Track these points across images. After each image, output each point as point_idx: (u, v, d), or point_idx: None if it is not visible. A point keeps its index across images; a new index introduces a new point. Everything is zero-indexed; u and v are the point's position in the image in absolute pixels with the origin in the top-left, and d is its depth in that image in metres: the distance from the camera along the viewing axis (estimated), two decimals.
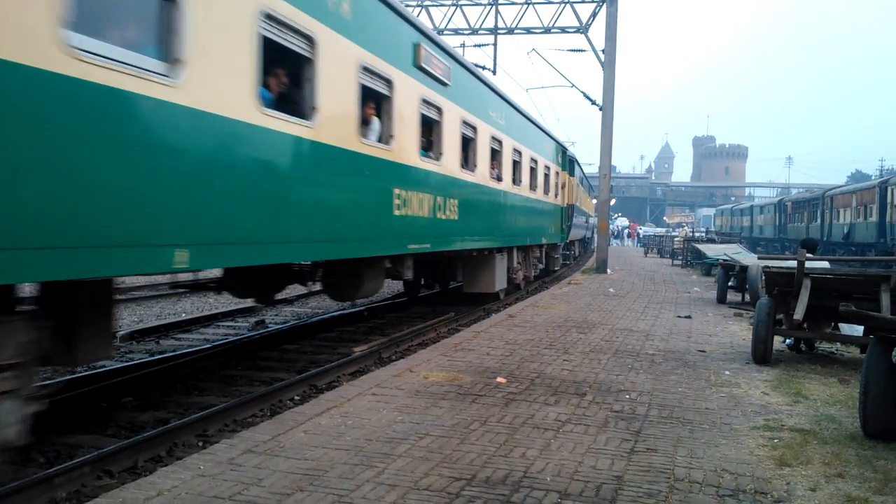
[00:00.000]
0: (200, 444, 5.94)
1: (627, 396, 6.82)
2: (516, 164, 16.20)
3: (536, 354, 8.83)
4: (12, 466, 5.23)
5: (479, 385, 7.07)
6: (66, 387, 7.19)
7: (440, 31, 24.63)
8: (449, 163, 11.18)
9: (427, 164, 10.34)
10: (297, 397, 7.61)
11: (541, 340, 9.92)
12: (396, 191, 9.10)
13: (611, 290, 18.59)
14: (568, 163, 24.90)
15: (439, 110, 10.75)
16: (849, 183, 62.90)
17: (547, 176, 20.15)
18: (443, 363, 8.10)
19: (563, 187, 23.33)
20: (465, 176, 12.18)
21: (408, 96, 9.47)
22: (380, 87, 8.66)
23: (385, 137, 8.92)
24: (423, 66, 9.84)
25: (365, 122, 8.48)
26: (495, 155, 14.41)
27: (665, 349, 9.61)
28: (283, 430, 5.40)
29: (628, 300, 16.20)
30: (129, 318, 12.86)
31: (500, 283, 15.19)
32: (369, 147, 8.37)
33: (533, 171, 18.16)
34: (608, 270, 25.00)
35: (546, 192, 19.96)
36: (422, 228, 10.07)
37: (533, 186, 18.07)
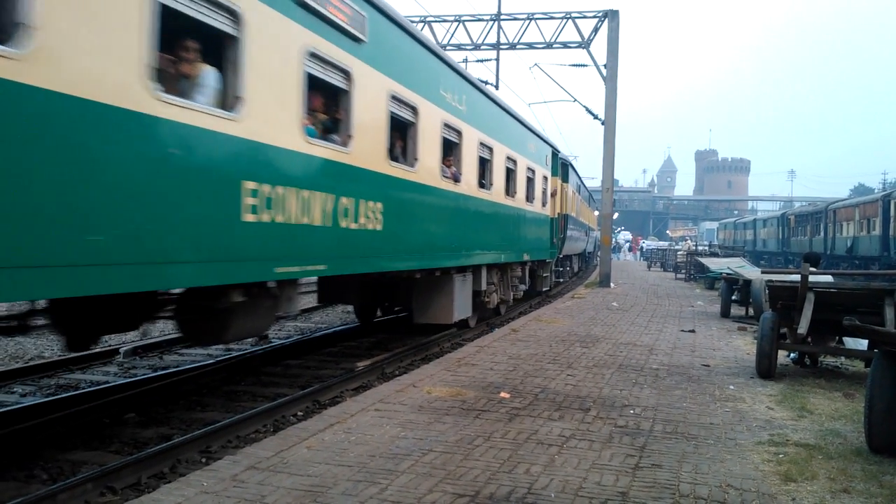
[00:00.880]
0: (203, 460, 5.93)
1: (632, 411, 6.80)
2: (485, 163, 13.24)
3: (540, 369, 8.81)
4: (16, 483, 5.23)
5: (482, 400, 7.06)
6: (69, 402, 7.20)
7: (444, 47, 24.72)
8: (363, 151, 8.06)
9: (318, 150, 7.23)
10: (300, 413, 7.59)
11: (544, 355, 9.90)
12: (251, 185, 6.07)
13: (614, 304, 18.57)
14: (560, 168, 22.02)
15: (346, 74, 7.64)
16: (852, 196, 62.86)
17: (531, 180, 16.96)
18: (446, 378, 8.09)
19: (553, 195, 20.30)
20: (396, 172, 9.05)
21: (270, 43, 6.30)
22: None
23: (229, 103, 5.94)
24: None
25: (186, 77, 5.91)
26: (451, 148, 11.38)
27: (669, 364, 9.58)
28: (286, 446, 5.38)
29: (632, 314, 16.18)
30: (132, 334, 12.86)
31: (462, 310, 12.25)
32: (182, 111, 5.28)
33: (511, 172, 15.04)
34: (611, 284, 24.98)
35: (530, 199, 16.82)
36: (308, 241, 7.05)
37: (510, 192, 14.99)
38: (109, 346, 10.84)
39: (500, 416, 6.45)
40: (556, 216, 20.63)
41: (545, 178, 18.88)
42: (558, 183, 21.26)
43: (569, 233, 23.84)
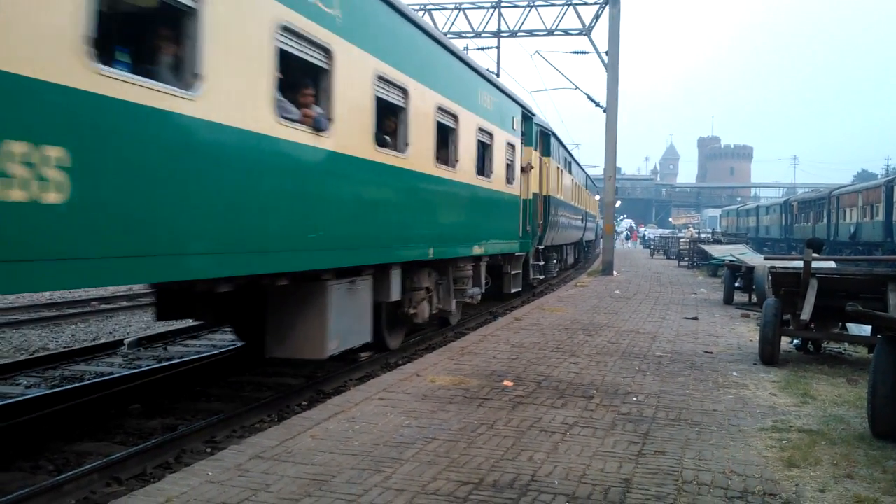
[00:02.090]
0: (208, 450, 5.96)
1: (635, 399, 6.81)
2: (393, 112, 8.88)
3: (543, 357, 8.83)
4: (22, 474, 5.26)
5: (485, 388, 7.07)
6: (74, 394, 7.23)
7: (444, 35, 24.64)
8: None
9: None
10: (304, 402, 7.62)
11: (547, 343, 9.91)
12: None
13: (617, 291, 18.57)
14: (539, 137, 17.72)
15: None
16: (855, 182, 62.72)
17: (486, 147, 12.58)
18: (449, 367, 8.11)
19: (527, 170, 15.79)
20: (208, 113, 5.37)
21: None
22: None
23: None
24: None
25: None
26: (311, 75, 7.09)
27: (672, 351, 9.59)
28: (290, 435, 5.40)
29: (634, 302, 16.18)
30: (136, 325, 12.91)
31: (350, 334, 7.96)
32: None
33: (448, 133, 10.66)
34: (614, 272, 24.95)
35: (484, 172, 12.50)
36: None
37: (448, 160, 10.59)
38: (114, 337, 10.88)
39: (504, 405, 6.46)
40: (531, 197, 16.12)
41: (510, 146, 14.18)
42: (534, 155, 16.75)
43: (556, 219, 20.38)
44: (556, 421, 5.96)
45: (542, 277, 20.08)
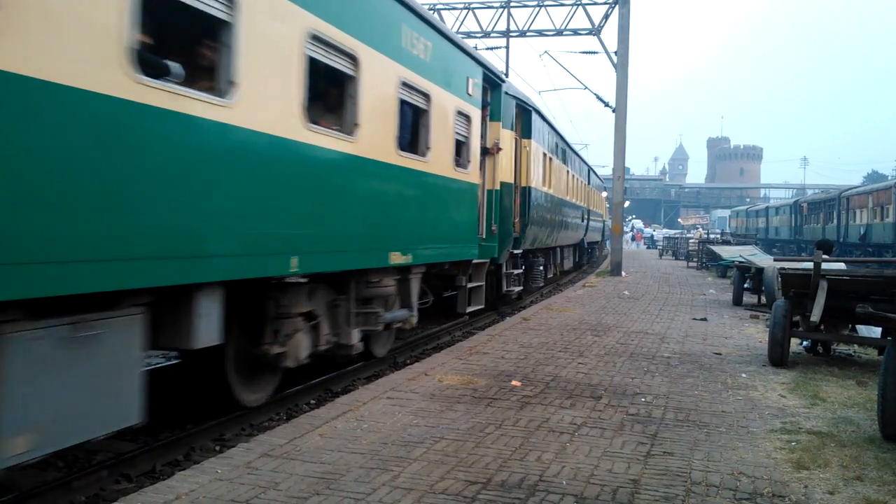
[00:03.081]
0: (217, 448, 5.97)
1: (643, 399, 6.80)
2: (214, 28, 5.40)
3: (551, 357, 8.82)
4: (32, 471, 5.29)
5: (494, 388, 7.07)
6: None
7: None
8: None
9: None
10: (312, 401, 7.63)
11: (555, 343, 9.90)
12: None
13: (625, 292, 18.53)
14: (516, 112, 13.65)
15: None
16: (865, 183, 62.42)
17: (419, 112, 9.07)
18: (458, 366, 8.11)
19: (492, 153, 12.15)
20: None
21: None
22: None
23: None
24: None
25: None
26: None
27: (681, 352, 9.57)
28: (299, 433, 5.42)
29: (643, 303, 16.15)
30: None
31: (76, 424, 4.33)
32: None
33: (348, 82, 7.30)
34: (623, 273, 24.90)
35: (416, 149, 9.00)
36: None
37: (346, 125, 7.27)
38: None
39: (512, 404, 6.46)
40: (498, 188, 12.43)
41: (464, 117, 10.41)
42: (505, 134, 12.63)
43: (542, 216, 16.46)
44: (565, 421, 5.96)
45: (520, 289, 15.38)
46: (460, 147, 10.48)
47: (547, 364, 8.39)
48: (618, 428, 5.81)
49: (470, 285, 11.49)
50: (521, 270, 15.07)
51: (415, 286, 9.43)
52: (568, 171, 22.14)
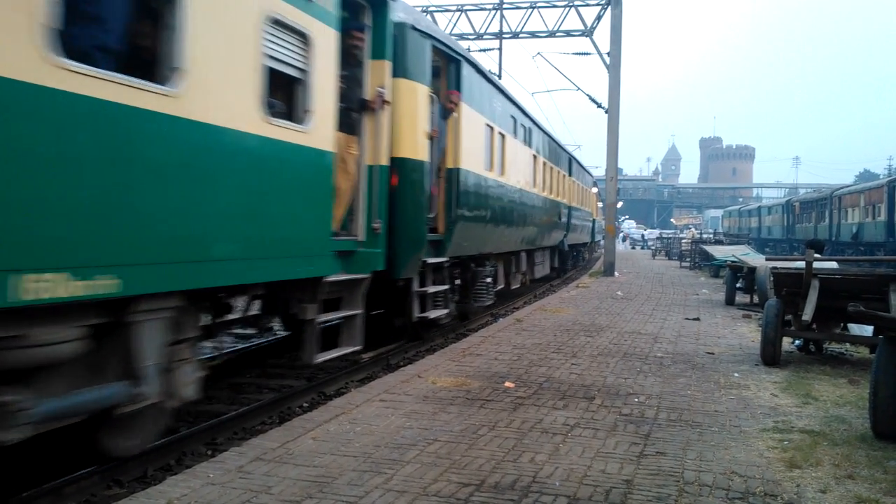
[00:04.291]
0: (209, 452, 5.95)
1: (636, 400, 6.81)
2: None
3: (545, 358, 8.82)
4: (21, 476, 5.26)
5: (487, 390, 7.07)
6: None
7: None
8: None
9: None
10: (305, 404, 7.61)
11: (549, 344, 9.90)
12: None
13: (619, 292, 18.55)
14: (426, 54, 9.39)
15: None
16: (857, 182, 62.67)
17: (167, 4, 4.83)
18: (451, 368, 8.10)
19: (375, 106, 7.94)
20: None
21: None
22: None
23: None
24: None
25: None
26: None
27: (673, 352, 9.58)
28: (291, 437, 5.41)
29: (636, 303, 16.17)
30: None
31: None
32: None
33: None
34: (616, 273, 24.94)
35: (157, 73, 4.78)
36: None
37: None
38: None
39: (505, 406, 6.46)
40: (385, 164, 8.30)
41: (296, 34, 6.38)
42: (403, 85, 8.74)
43: (483, 208, 12.24)
44: (558, 422, 5.96)
45: (445, 312, 10.76)
46: (285, 85, 6.48)
47: (540, 365, 8.39)
48: (611, 428, 5.81)
49: (331, 317, 7.60)
50: (446, 287, 10.68)
51: (147, 336, 4.93)
52: (537, 157, 17.84)
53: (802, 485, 4.59)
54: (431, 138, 9.47)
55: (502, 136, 13.77)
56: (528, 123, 16.83)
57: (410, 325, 10.26)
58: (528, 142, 16.70)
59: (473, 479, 4.54)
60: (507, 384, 7.32)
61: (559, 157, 22.66)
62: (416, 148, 9.05)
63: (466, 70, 11.06)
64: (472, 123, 11.42)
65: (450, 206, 10.54)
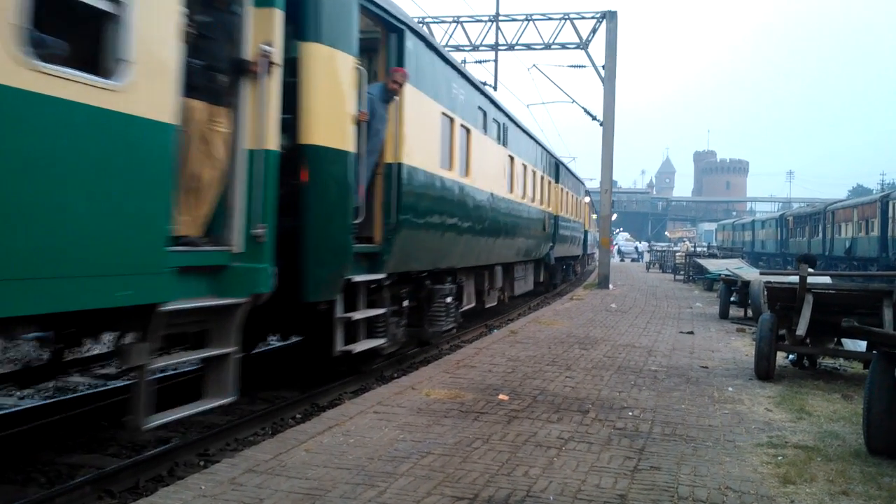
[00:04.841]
0: (202, 463, 5.91)
1: (630, 413, 6.80)
2: None
3: (539, 371, 8.81)
4: (13, 487, 5.22)
5: (481, 402, 7.05)
6: (67, 405, 7.18)
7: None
8: None
9: None
10: (298, 415, 7.57)
11: (543, 357, 9.89)
12: None
13: (613, 305, 18.56)
14: (353, 13, 7.50)
15: None
16: (850, 197, 62.96)
17: None
18: (445, 380, 8.08)
19: (259, 74, 5.81)
20: None
21: None
22: None
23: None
24: None
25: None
26: None
27: (668, 365, 9.58)
28: (284, 448, 5.38)
29: (630, 316, 16.17)
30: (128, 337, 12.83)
31: None
32: None
33: None
34: (610, 286, 24.96)
35: None
36: None
37: None
38: (107, 348, 10.81)
39: (499, 419, 6.44)
40: (274, 149, 6.04)
41: None
42: (310, 50, 6.83)
43: (437, 214, 10.24)
44: (552, 435, 5.94)
45: (382, 342, 8.63)
46: (81, 20, 4.61)
47: (534, 378, 8.38)
48: (605, 442, 5.80)
49: (175, 361, 6.11)
50: (384, 310, 8.56)
51: None
52: (515, 160, 15.73)
53: (797, 500, 4.58)
54: (360, 123, 7.68)
55: (466, 130, 11.69)
56: (503, 120, 14.75)
57: (334, 359, 7.92)
58: (502, 141, 14.62)
59: (467, 493, 4.52)
60: (502, 397, 7.30)
61: (545, 161, 20.72)
62: (336, 134, 7.10)
63: (412, 43, 9.04)
64: (421, 110, 9.43)
65: (389, 211, 8.55)
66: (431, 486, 4.64)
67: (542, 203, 19.45)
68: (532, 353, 10.22)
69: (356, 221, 7.71)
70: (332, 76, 7.13)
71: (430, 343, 11.33)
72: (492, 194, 13.35)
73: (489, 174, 13.26)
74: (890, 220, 30.13)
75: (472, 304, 13.50)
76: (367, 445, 5.49)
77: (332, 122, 7.11)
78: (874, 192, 64.96)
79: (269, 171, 5.96)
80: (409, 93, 8.89)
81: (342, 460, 5.12)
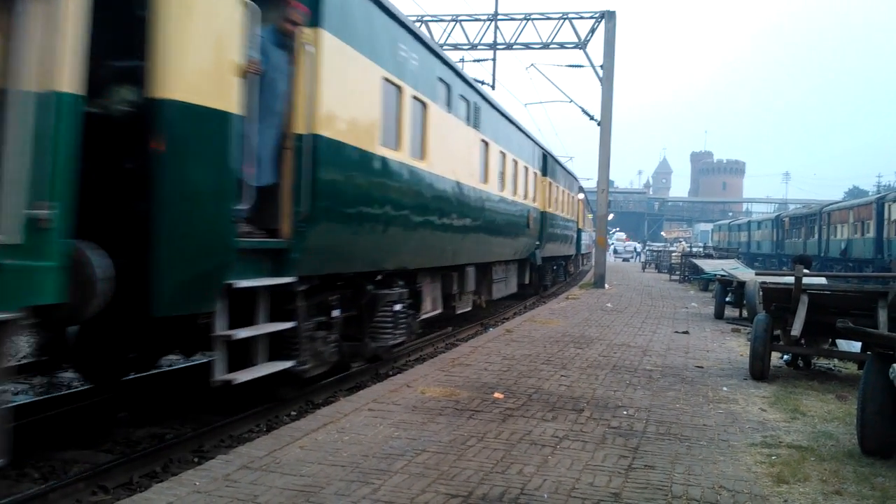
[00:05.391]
0: (196, 459, 5.91)
1: (625, 412, 6.81)
2: None
3: (534, 370, 8.81)
4: (7, 482, 5.21)
5: (476, 400, 7.05)
6: (62, 401, 7.17)
7: (441, 47, 24.58)
8: None
9: None
10: (293, 412, 7.57)
11: (538, 356, 9.90)
12: None
13: (608, 305, 18.58)
14: None
15: None
16: (846, 199, 63.14)
17: None
18: (440, 378, 8.08)
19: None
20: None
21: None
22: None
23: None
24: None
25: None
26: None
27: (663, 365, 9.59)
28: (279, 445, 5.37)
29: (626, 315, 16.19)
30: None
31: None
32: None
33: None
34: (606, 285, 24.99)
35: None
36: None
37: None
38: None
39: (494, 417, 6.45)
40: (53, 92, 4.01)
41: None
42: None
43: (376, 197, 8.30)
44: (547, 434, 5.95)
45: (290, 364, 6.81)
46: None
47: (530, 376, 8.38)
48: (599, 441, 5.80)
49: None
50: (289, 325, 6.68)
51: None
52: (491, 146, 13.76)
53: (790, 500, 4.59)
54: (250, 77, 5.91)
55: (422, 104, 9.69)
56: (474, 98, 12.61)
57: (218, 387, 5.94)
58: (473, 122, 12.49)
59: (461, 491, 4.53)
60: (497, 395, 7.30)
61: (529, 151, 18.60)
62: (208, 87, 5.40)
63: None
64: (349, 70, 7.49)
65: (299, 196, 6.53)
66: (426, 483, 4.64)
67: (526, 197, 17.74)
68: (527, 351, 10.23)
69: (240, 207, 5.82)
70: (203, 7, 5.40)
71: (378, 359, 9.71)
72: (458, 183, 11.48)
73: (455, 160, 11.36)
74: (885, 222, 30.23)
75: (438, 311, 11.72)
76: (361, 443, 5.49)
77: (201, 71, 5.38)
78: (870, 193, 65.09)
79: (61, 122, 4.10)
80: (331, 45, 6.98)
81: (337, 457, 5.12)
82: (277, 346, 6.59)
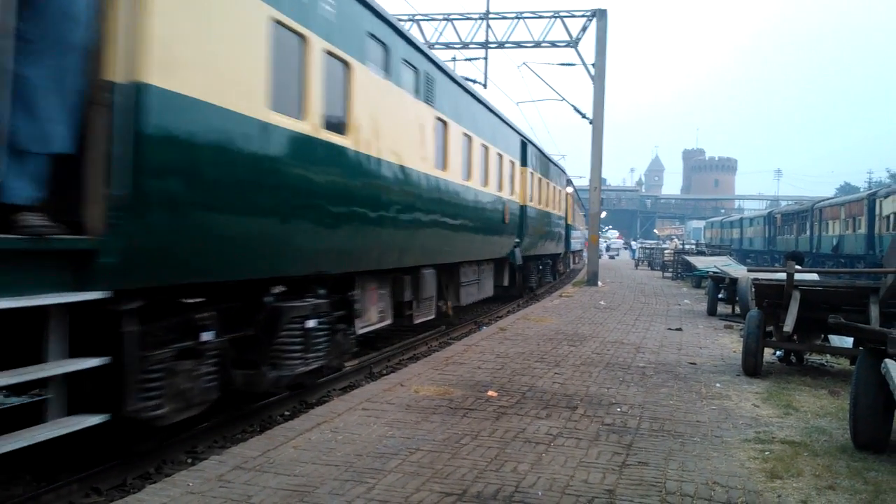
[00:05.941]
0: (189, 460, 5.90)
1: (619, 409, 6.82)
2: None
3: (528, 368, 8.82)
4: None
5: (470, 399, 7.05)
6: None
7: (431, 46, 24.63)
8: None
9: None
10: (287, 412, 7.56)
11: (532, 353, 9.90)
12: None
13: (601, 302, 18.61)
14: None
15: None
16: (838, 195, 63.35)
17: None
18: (434, 377, 8.08)
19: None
20: None
21: None
22: None
23: None
24: None
25: None
26: None
27: (656, 362, 9.61)
28: (272, 445, 5.36)
29: (619, 312, 16.21)
30: None
31: None
32: None
33: None
34: (599, 283, 25.03)
35: None
36: None
37: None
38: None
39: (488, 415, 6.44)
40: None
41: None
42: None
43: (273, 180, 6.26)
44: (541, 432, 5.95)
45: (95, 421, 4.56)
46: None
47: (523, 374, 8.39)
48: (593, 438, 5.81)
49: None
50: (99, 361, 4.54)
51: None
52: (450, 126, 11.67)
53: (784, 495, 4.61)
54: None
55: (343, 63, 7.67)
56: (426, 67, 10.39)
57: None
58: (424, 96, 10.33)
59: (456, 489, 4.52)
60: (490, 393, 7.30)
61: (505, 138, 16.25)
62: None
63: None
64: (239, 9, 5.72)
65: (115, 172, 4.49)
66: (420, 482, 4.64)
67: (501, 189, 15.48)
68: (521, 349, 10.23)
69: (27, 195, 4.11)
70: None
71: (302, 386, 7.96)
72: (403, 168, 9.45)
73: (397, 139, 9.25)
74: (877, 218, 30.32)
75: (386, 322, 9.93)
76: (355, 442, 5.49)
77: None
78: (861, 190, 65.36)
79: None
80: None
81: (331, 457, 5.11)
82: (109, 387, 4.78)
